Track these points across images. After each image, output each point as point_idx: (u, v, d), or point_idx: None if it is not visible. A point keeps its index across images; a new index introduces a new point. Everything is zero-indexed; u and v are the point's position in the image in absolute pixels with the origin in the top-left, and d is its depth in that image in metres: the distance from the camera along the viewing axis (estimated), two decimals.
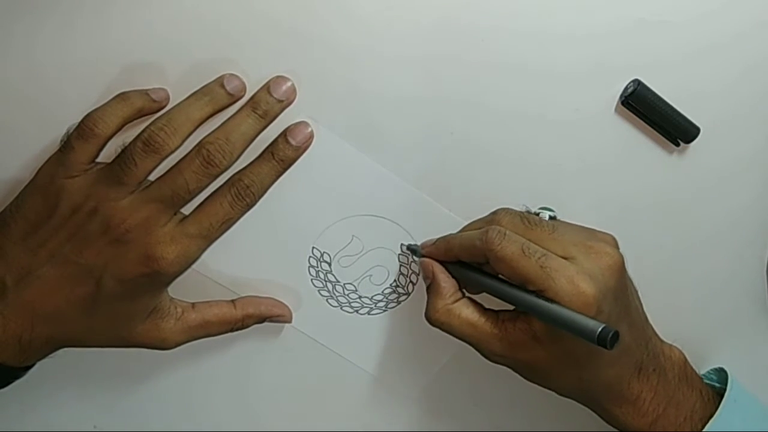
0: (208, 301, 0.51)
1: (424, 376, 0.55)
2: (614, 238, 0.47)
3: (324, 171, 0.50)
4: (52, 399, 0.55)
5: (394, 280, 0.53)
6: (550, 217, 0.48)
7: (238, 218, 0.48)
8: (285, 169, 0.49)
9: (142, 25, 0.47)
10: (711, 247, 0.54)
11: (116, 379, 0.54)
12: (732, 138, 0.51)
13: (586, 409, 0.49)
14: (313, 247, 0.52)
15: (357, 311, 0.54)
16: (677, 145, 0.51)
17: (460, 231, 0.51)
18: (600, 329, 0.40)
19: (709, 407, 0.48)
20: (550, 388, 0.48)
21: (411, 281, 0.53)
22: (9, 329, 0.46)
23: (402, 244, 0.52)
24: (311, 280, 0.52)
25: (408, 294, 0.53)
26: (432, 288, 0.48)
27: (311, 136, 0.49)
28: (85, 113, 0.46)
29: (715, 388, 0.50)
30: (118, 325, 0.48)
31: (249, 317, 0.51)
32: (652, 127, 0.51)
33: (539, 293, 0.44)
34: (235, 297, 0.52)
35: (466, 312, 0.47)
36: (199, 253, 0.48)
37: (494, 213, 0.48)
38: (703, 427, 0.47)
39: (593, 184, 0.52)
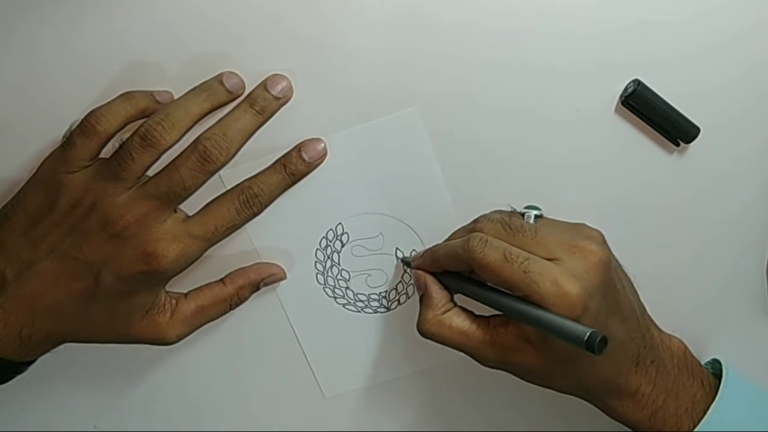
0: (199, 287, 0.51)
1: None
2: (601, 234, 0.47)
3: (397, 165, 0.50)
4: (52, 398, 0.55)
5: (386, 291, 0.53)
6: (537, 216, 0.48)
7: (243, 225, 0.48)
8: (294, 182, 0.49)
9: (144, 24, 0.48)
10: (711, 247, 0.54)
11: (116, 379, 0.55)
12: (732, 138, 0.51)
13: (586, 409, 0.49)
14: (340, 223, 0.51)
15: (335, 299, 0.53)
16: (677, 145, 0.51)
17: (445, 240, 0.51)
18: (587, 335, 0.40)
19: (711, 396, 0.48)
20: (548, 388, 0.48)
21: (398, 301, 0.53)
22: (9, 323, 0.46)
23: (397, 256, 0.52)
24: (316, 250, 0.52)
25: (388, 309, 0.53)
26: (423, 299, 0.48)
27: (324, 153, 0.49)
28: (86, 111, 0.46)
29: (718, 377, 0.50)
30: (116, 322, 0.48)
31: (242, 289, 0.51)
32: (652, 127, 0.51)
33: (525, 298, 0.43)
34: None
35: (456, 321, 0.47)
36: (200, 254, 0.47)
37: (475, 221, 0.49)
38: (704, 415, 0.46)
39: (593, 184, 0.52)
